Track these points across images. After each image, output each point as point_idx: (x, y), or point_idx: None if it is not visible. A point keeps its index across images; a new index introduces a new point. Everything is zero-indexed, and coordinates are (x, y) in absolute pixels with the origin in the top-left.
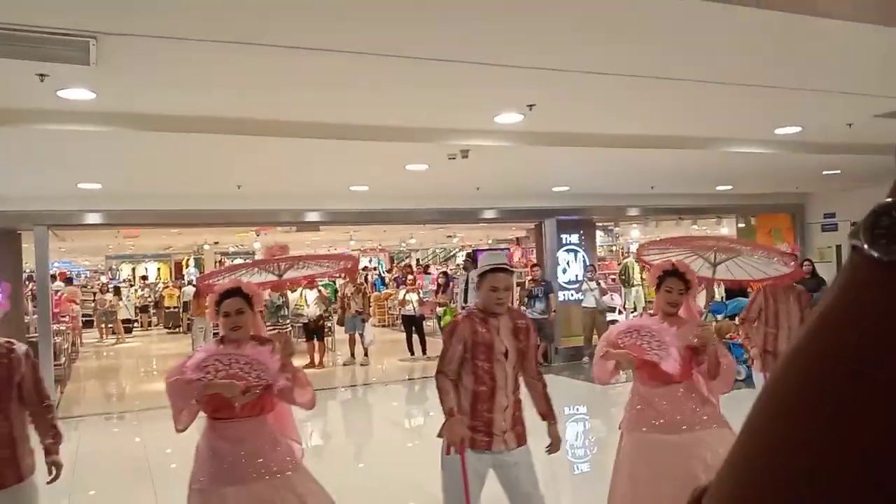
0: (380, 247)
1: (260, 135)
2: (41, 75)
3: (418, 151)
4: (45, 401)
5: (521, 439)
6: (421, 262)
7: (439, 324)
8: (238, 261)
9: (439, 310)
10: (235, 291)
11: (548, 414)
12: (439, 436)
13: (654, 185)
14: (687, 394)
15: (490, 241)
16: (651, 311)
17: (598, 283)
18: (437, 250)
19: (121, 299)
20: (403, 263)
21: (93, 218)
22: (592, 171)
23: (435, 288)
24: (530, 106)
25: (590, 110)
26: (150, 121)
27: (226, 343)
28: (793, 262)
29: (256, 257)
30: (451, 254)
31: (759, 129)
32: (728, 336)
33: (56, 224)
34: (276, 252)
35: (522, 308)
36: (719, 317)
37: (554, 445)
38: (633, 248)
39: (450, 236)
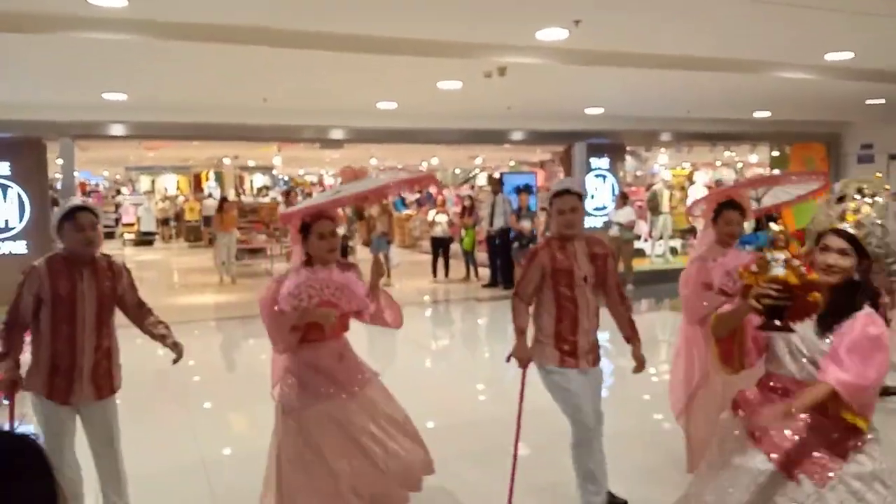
0: (399, 166)
1: (289, 47)
2: None
3: (453, 68)
4: (145, 304)
5: (598, 360)
6: (441, 182)
7: (461, 245)
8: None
9: (462, 232)
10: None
11: (633, 336)
12: (511, 354)
13: (690, 110)
14: None
15: (512, 164)
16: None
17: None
18: (457, 171)
19: None
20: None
21: (117, 129)
22: (630, 93)
23: (459, 210)
24: (577, 21)
25: (638, 29)
26: (181, 30)
27: (314, 266)
28: (823, 176)
29: (274, 172)
30: (471, 175)
31: (810, 53)
32: None
33: (80, 135)
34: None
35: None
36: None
37: (639, 366)
38: (661, 173)
39: (472, 157)
